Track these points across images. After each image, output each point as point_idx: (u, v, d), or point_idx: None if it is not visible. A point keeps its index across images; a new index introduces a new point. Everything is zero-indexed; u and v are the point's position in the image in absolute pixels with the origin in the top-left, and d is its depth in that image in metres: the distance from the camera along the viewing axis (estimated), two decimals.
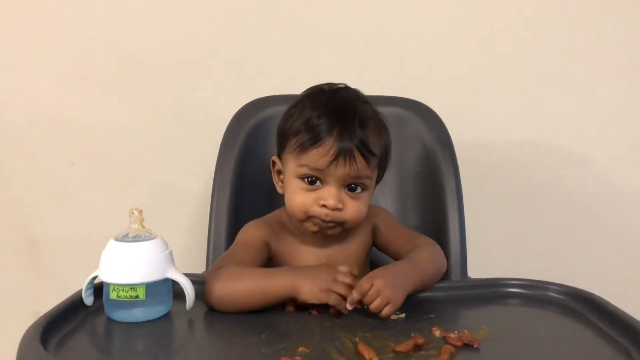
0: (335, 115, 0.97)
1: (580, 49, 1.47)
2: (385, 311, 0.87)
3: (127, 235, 0.86)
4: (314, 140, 0.96)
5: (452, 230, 1.17)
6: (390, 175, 1.11)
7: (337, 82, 1.07)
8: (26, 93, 1.52)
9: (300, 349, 0.75)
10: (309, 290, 0.88)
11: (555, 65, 1.47)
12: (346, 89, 1.05)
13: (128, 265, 0.84)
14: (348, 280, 0.89)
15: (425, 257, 1.00)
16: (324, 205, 0.98)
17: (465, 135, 1.39)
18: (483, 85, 1.48)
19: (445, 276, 1.06)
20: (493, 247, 1.52)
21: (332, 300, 0.87)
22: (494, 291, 0.98)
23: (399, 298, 0.88)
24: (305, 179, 0.99)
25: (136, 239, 0.86)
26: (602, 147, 1.50)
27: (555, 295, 0.96)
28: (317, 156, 0.96)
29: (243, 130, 1.25)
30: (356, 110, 0.99)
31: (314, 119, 0.98)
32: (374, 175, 1.03)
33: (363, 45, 1.48)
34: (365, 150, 0.97)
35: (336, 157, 0.95)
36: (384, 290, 0.87)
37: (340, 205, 0.98)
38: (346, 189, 0.99)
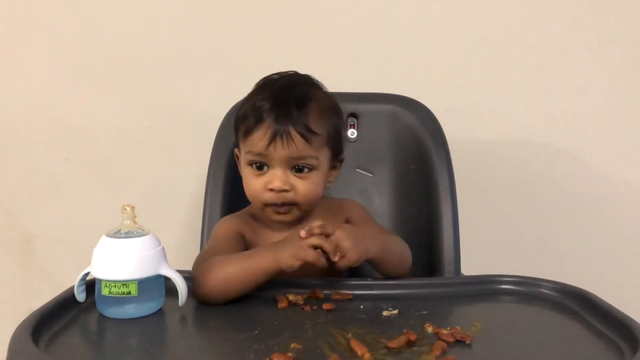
0: (274, 99, 0.99)
1: (574, 46, 1.47)
2: (341, 262, 0.90)
3: (119, 231, 0.86)
4: (254, 124, 0.99)
5: (446, 227, 1.17)
6: (383, 172, 1.11)
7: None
8: (20, 91, 1.51)
9: (292, 345, 0.75)
10: (288, 255, 0.90)
11: (549, 62, 1.48)
12: (294, 74, 1.07)
13: (120, 262, 0.84)
14: (316, 231, 0.90)
15: (392, 239, 1.03)
16: (271, 189, 1.00)
17: (459, 132, 1.39)
18: (477, 82, 1.49)
19: (439, 273, 1.06)
20: (486, 244, 1.52)
21: (310, 256, 0.88)
22: (486, 288, 0.98)
23: (355, 253, 0.90)
24: (253, 165, 1.02)
25: (128, 235, 0.85)
26: (596, 143, 1.50)
27: (547, 292, 0.96)
28: (257, 139, 0.99)
29: None
30: (294, 91, 1.01)
31: (256, 103, 1.00)
32: (322, 155, 1.03)
33: (357, 43, 1.48)
34: (303, 129, 0.98)
35: (273, 138, 0.97)
36: (344, 241, 0.90)
37: (287, 187, 1.00)
38: (293, 170, 1.01)
